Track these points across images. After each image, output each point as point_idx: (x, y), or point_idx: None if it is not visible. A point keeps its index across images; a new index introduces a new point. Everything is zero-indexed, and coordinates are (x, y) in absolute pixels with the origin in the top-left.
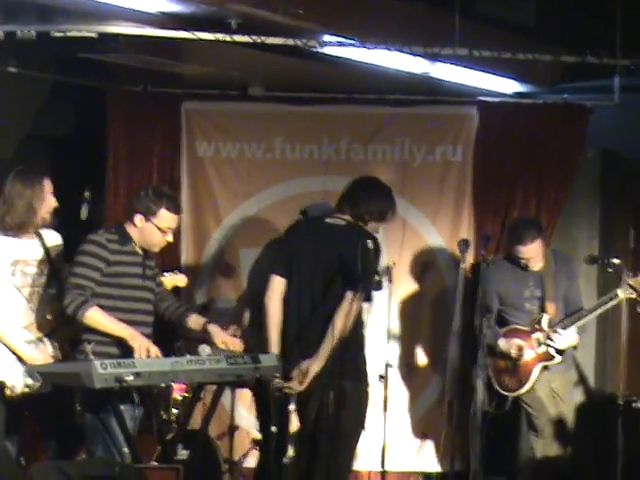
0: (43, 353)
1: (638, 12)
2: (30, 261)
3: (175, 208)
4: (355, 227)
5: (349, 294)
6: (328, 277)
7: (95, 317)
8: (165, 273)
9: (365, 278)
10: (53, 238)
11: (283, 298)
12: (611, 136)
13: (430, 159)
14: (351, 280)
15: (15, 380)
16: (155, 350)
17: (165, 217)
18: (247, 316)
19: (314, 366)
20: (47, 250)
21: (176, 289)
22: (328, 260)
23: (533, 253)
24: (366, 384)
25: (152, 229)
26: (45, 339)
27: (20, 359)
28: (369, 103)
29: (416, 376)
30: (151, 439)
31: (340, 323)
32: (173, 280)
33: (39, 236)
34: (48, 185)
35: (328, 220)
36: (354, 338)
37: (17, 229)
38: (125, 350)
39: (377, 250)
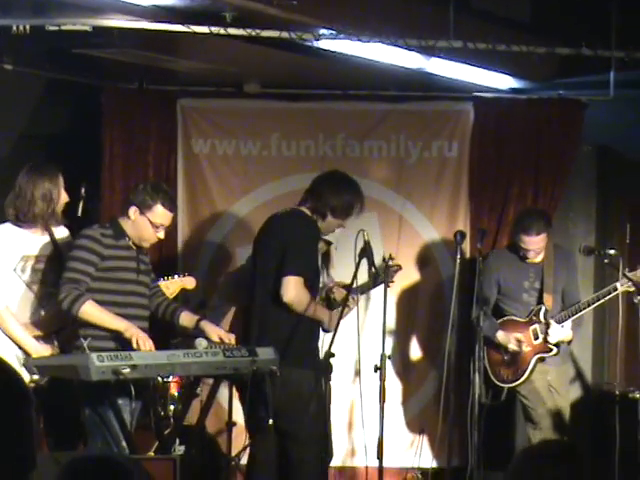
0: (50, 349)
1: (634, 5)
2: (41, 257)
3: (170, 205)
4: (292, 213)
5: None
6: (266, 266)
7: (89, 311)
8: (175, 276)
9: (291, 257)
10: (62, 234)
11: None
12: (607, 131)
13: (426, 155)
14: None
15: (22, 374)
16: (150, 343)
17: (159, 213)
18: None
19: None
20: (57, 246)
21: (183, 291)
22: (264, 249)
23: (537, 245)
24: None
25: (145, 223)
26: (53, 336)
27: (27, 353)
28: (365, 99)
29: (413, 371)
30: (149, 435)
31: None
32: (182, 282)
33: (50, 232)
34: (61, 179)
35: (279, 211)
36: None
37: (33, 220)
38: (121, 345)
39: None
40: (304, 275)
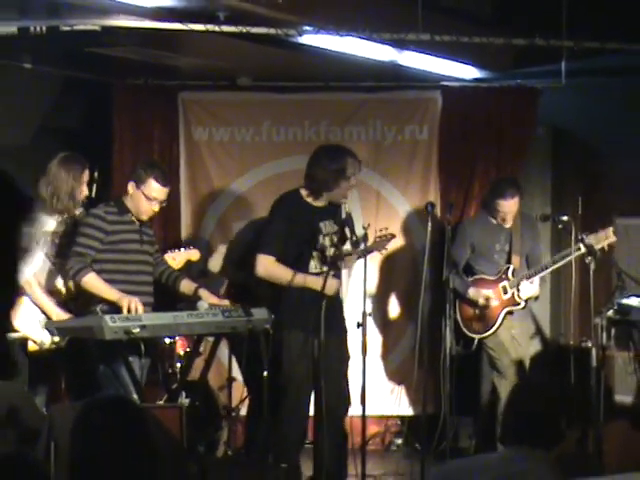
0: (68, 314)
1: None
2: (58, 233)
3: (163, 180)
4: (285, 194)
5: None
6: None
7: (91, 282)
8: (181, 249)
9: (264, 236)
10: (78, 211)
11: None
12: (560, 115)
13: (400, 138)
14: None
15: (44, 336)
16: (140, 307)
17: (152, 187)
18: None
19: None
20: (76, 223)
21: (188, 263)
22: None
23: (512, 208)
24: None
25: (140, 196)
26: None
27: (48, 317)
28: (344, 90)
29: (392, 327)
30: (158, 390)
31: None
32: (187, 254)
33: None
34: (86, 175)
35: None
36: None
37: (60, 213)
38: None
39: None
40: (275, 252)
